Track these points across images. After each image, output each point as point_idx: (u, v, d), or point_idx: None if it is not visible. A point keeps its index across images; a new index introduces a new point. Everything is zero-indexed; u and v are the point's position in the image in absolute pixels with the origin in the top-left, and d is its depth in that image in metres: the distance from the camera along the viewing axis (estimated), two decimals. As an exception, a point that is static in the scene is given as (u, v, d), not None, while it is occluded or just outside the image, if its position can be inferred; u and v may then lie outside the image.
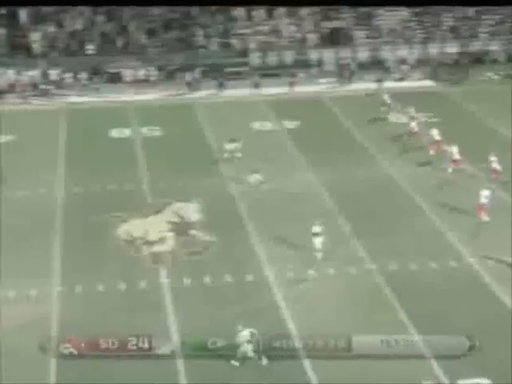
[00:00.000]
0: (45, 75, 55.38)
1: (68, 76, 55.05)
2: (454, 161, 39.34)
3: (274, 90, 53.67)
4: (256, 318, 27.61)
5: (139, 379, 24.63)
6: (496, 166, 37.89)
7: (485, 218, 34.31)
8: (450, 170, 39.24)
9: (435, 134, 42.12)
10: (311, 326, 27.20)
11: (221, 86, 54.62)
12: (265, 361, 25.29)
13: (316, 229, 31.42)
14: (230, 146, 41.63)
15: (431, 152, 41.42)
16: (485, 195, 34.45)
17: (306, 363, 25.38)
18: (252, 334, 25.17)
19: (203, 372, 25.00)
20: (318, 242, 31.37)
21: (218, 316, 27.10)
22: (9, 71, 54.92)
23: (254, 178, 38.00)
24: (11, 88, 53.86)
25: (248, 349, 25.13)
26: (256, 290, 29.53)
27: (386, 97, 49.38)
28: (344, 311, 28.22)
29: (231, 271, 30.70)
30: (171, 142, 44.61)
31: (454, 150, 39.43)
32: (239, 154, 41.39)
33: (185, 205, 36.53)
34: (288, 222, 34.22)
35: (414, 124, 43.85)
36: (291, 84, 54.43)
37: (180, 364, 25.36)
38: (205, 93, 54.12)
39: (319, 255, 31.44)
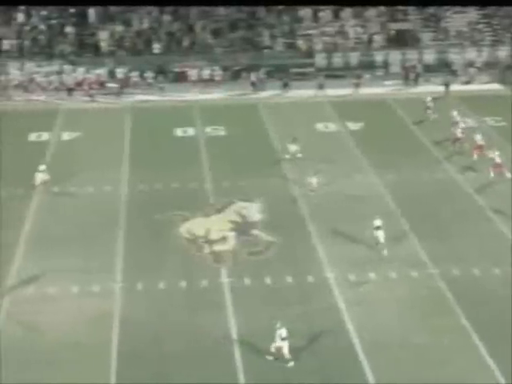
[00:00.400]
0: (111, 74, 56.13)
1: (134, 75, 55.69)
2: (495, 165, 38.86)
3: (338, 91, 53.48)
4: (316, 319, 27.61)
5: (199, 379, 24.80)
6: None
7: None
8: (491, 174, 38.80)
9: (479, 138, 41.56)
10: (371, 328, 27.06)
11: (285, 86, 54.64)
12: (291, 363, 25.23)
13: (377, 222, 31.86)
14: (292, 147, 41.69)
15: (474, 156, 40.90)
16: None
17: (365, 363, 25.32)
18: (287, 333, 25.23)
19: (261, 371, 25.07)
20: (380, 235, 31.73)
21: (278, 317, 27.09)
22: (77, 69, 55.77)
23: (317, 179, 37.91)
24: (79, 86, 54.70)
25: (283, 345, 25.15)
26: (316, 292, 29.46)
27: (428, 99, 48.73)
28: (405, 315, 27.99)
29: (292, 272, 30.69)
30: (235, 142, 44.78)
31: (496, 155, 38.97)
32: (299, 155, 41.42)
33: (247, 204, 36.63)
34: (350, 224, 34.04)
35: (458, 129, 43.10)
36: (356, 85, 54.20)
37: (239, 363, 25.48)
38: (269, 93, 54.20)
39: (383, 249, 31.64)
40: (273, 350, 25.38)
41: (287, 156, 41.68)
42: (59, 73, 55.79)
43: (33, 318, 27.89)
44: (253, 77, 54.98)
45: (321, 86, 53.53)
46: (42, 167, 38.74)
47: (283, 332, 25.16)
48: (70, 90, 54.16)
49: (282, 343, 25.13)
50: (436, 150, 42.93)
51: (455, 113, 45.27)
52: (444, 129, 44.84)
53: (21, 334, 26.96)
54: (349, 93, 53.56)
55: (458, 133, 42.83)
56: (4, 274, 30.54)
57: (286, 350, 25.19)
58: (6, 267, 31.05)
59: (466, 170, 40.13)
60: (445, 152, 42.58)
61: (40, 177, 38.29)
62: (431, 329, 27.02)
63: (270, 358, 25.40)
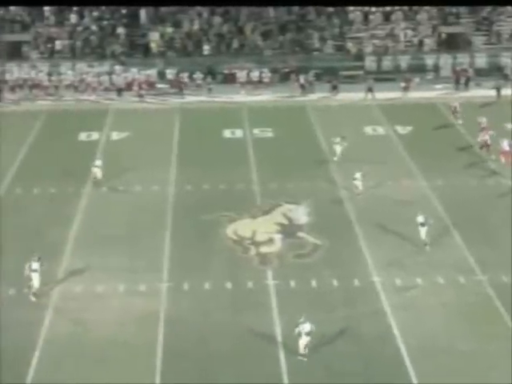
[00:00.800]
0: (161, 75, 56.44)
1: (184, 76, 55.89)
2: None
3: (387, 94, 53.16)
4: (361, 323, 27.50)
5: (243, 379, 24.84)
6: None
7: None
8: None
9: (505, 144, 40.98)
10: (417, 334, 26.86)
11: (334, 89, 54.42)
12: (304, 358, 25.47)
13: (420, 219, 32.26)
14: (338, 147, 41.52)
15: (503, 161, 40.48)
16: None
17: (410, 369, 25.14)
18: (311, 328, 25.50)
19: (305, 373, 25.03)
20: (423, 231, 32.14)
21: (323, 320, 27.04)
22: (128, 70, 56.19)
23: (363, 181, 37.70)
24: (129, 86, 55.12)
25: (306, 341, 25.36)
26: (362, 296, 29.33)
27: (456, 104, 48.25)
28: (452, 321, 27.73)
29: (338, 275, 30.59)
30: (282, 144, 44.76)
31: None
32: (338, 156, 41.29)
33: (294, 207, 36.61)
34: (397, 228, 33.81)
35: (486, 136, 42.50)
36: (405, 89, 53.80)
37: (283, 364, 25.46)
38: (318, 96, 54.06)
39: (426, 246, 32.05)
40: (301, 350, 25.44)
41: (335, 158, 41.56)
42: (110, 73, 56.32)
43: (80, 315, 28.21)
44: (302, 79, 54.90)
45: (370, 89, 53.26)
46: (98, 162, 39.32)
47: (306, 327, 25.34)
48: (120, 91, 54.64)
49: (305, 338, 25.29)
50: (485, 155, 42.41)
51: (484, 119, 44.43)
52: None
53: (68, 331, 27.29)
54: (398, 96, 53.19)
55: (485, 139, 42.25)
56: (53, 270, 30.94)
57: (301, 346, 25.38)
58: (56, 264, 31.45)
59: (493, 175, 39.74)
60: (489, 157, 42.13)
61: (95, 171, 38.87)
62: (478, 335, 26.75)
63: (304, 358, 25.43)
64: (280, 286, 29.97)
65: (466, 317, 27.88)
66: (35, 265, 29.20)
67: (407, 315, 28.00)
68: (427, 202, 37.03)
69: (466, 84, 55.31)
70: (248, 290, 29.80)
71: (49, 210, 36.43)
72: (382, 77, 56.29)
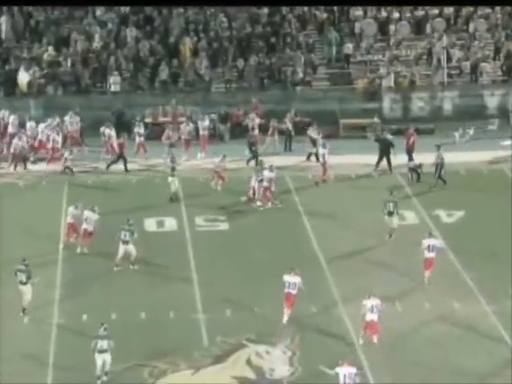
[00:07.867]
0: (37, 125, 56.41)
1: (75, 128, 55.70)
2: None
3: (420, 157, 53.72)
4: None
5: None
6: None
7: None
8: None
9: None
10: None
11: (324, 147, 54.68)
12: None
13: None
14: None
15: None
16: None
17: None
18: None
19: None
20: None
21: None
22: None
23: (381, 304, 37.90)
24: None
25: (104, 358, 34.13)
26: None
27: None
28: None
29: None
30: (241, 239, 45.31)
31: None
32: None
33: (265, 348, 36.61)
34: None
35: None
36: (448, 147, 54.46)
37: None
38: (299, 158, 54.55)
39: None
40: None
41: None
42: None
43: None
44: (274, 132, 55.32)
45: (386, 147, 53.27)
46: None
47: (104, 343, 34.37)
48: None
49: (101, 355, 34.33)
50: None
51: None
52: None
53: None
54: (435, 159, 53.39)
55: None
56: None
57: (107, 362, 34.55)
58: None
59: None
60: None
61: None
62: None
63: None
64: None
65: None
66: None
67: None
68: (492, 334, 37.38)
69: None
70: None
71: None
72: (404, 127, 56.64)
